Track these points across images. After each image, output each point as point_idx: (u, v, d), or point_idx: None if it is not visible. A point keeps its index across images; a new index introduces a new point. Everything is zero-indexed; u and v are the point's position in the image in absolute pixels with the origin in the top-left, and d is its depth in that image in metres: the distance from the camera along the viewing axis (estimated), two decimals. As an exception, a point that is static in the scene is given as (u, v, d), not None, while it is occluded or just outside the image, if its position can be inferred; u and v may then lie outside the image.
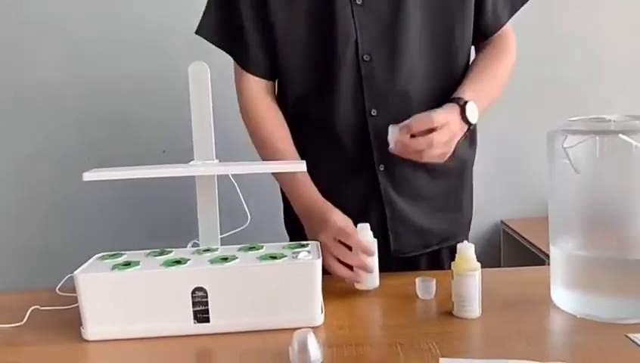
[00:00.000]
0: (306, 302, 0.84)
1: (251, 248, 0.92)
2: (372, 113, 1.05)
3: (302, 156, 1.07)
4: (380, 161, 1.07)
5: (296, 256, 0.86)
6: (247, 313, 0.83)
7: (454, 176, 1.14)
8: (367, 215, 1.08)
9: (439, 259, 1.16)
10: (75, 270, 0.84)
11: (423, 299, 0.94)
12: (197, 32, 1.09)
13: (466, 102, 1.00)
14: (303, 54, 1.05)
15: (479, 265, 0.86)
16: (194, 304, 0.82)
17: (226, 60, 1.13)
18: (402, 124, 0.97)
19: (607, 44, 2.05)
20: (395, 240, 1.10)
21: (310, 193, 1.04)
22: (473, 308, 0.85)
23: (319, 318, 0.85)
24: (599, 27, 2.05)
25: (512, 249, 2.03)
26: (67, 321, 0.89)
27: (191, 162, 0.95)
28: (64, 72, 1.99)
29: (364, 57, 1.03)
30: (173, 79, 1.87)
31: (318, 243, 0.94)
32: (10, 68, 1.99)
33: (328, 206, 1.01)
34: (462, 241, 1.07)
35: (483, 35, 1.12)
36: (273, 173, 1.09)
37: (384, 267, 1.00)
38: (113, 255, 0.91)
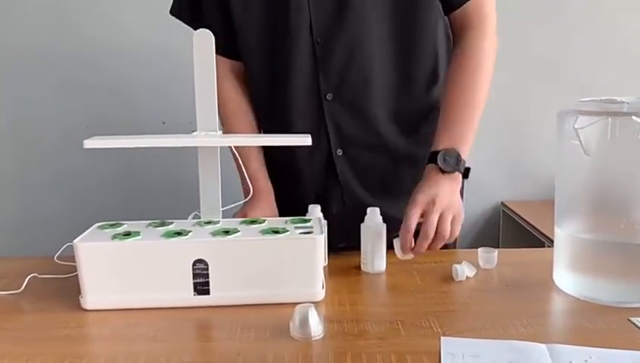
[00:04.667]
0: (307, 277, 0.83)
1: (253, 222, 0.91)
2: (327, 98, 1.04)
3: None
4: (338, 146, 1.06)
5: (298, 231, 0.85)
6: (248, 286, 0.82)
7: (421, 166, 1.07)
8: (327, 201, 1.08)
9: None
10: (74, 239, 0.83)
11: (400, 258, 0.95)
12: (170, 12, 1.11)
13: (437, 154, 0.96)
14: (260, 37, 1.04)
15: None
16: (195, 276, 0.82)
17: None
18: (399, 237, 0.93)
19: (615, 28, 2.03)
20: (352, 226, 1.02)
21: (262, 175, 1.10)
22: None
23: (320, 294, 0.84)
24: (609, 11, 2.02)
25: (511, 231, 2.04)
26: (66, 289, 0.88)
27: (194, 133, 0.93)
28: (65, 42, 1.97)
29: (318, 39, 1.01)
30: (174, 50, 1.85)
31: (321, 217, 0.93)
32: (9, 37, 1.96)
33: (265, 191, 1.09)
34: None
35: (450, 5, 1.04)
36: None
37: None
38: (113, 224, 0.90)
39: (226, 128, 1.11)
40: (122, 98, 1.99)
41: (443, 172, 0.96)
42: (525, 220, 1.89)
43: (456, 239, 1.21)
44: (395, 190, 1.09)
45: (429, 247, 0.93)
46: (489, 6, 1.04)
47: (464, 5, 1.02)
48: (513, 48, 1.99)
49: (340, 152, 1.06)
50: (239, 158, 1.01)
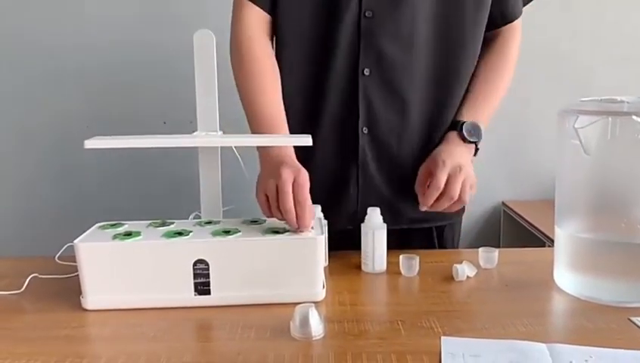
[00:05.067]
0: (307, 277, 0.83)
1: (253, 222, 0.91)
2: (365, 73, 1.03)
3: (288, 109, 1.05)
4: (365, 123, 1.05)
5: (299, 231, 0.85)
6: (249, 286, 0.83)
7: None
8: (346, 177, 1.08)
9: (410, 238, 1.12)
10: (75, 239, 0.83)
11: (406, 276, 0.94)
12: None
13: (463, 123, 1.05)
14: (304, 1, 1.02)
15: None
16: (195, 276, 0.82)
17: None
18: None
19: (616, 28, 2.02)
20: (362, 208, 1.05)
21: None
22: None
23: (321, 294, 0.84)
24: (610, 11, 2.02)
25: (512, 231, 2.04)
26: (66, 289, 0.88)
27: (195, 133, 0.93)
28: (66, 40, 1.97)
29: (366, 12, 1.00)
30: (175, 50, 1.85)
31: (322, 218, 0.93)
32: (11, 34, 1.96)
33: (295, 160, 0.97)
34: (443, 225, 1.12)
35: (494, 23, 1.10)
36: (248, 115, 1.04)
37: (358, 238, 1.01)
38: (114, 224, 0.90)
39: (251, 89, 1.03)
40: (123, 98, 1.99)
41: (464, 141, 1.04)
42: (525, 220, 1.89)
43: (458, 239, 1.22)
44: (409, 182, 1.08)
45: (435, 205, 0.99)
46: (519, 22, 1.14)
47: None
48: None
49: (365, 130, 1.05)
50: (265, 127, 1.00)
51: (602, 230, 0.83)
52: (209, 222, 0.91)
